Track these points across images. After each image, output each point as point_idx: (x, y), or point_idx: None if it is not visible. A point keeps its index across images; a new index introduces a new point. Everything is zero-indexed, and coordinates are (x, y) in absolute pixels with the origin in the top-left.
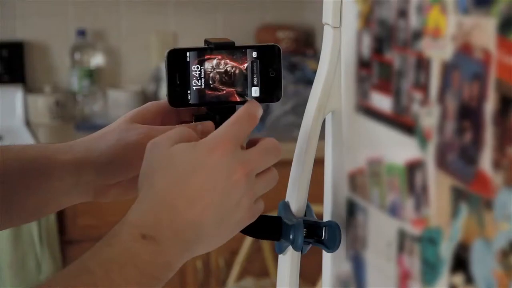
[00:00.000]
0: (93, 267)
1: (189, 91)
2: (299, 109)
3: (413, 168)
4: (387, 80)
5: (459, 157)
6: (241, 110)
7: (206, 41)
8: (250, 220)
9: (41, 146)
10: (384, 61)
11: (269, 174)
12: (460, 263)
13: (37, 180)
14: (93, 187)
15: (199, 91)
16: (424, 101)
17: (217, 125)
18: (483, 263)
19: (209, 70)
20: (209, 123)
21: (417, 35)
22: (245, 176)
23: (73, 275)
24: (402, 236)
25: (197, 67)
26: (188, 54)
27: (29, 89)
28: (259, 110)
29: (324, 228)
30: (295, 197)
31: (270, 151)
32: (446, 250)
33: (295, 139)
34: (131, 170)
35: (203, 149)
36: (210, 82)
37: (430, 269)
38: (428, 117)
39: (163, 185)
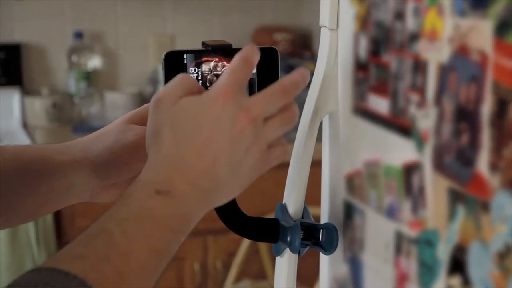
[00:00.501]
0: (111, 227)
1: None
2: None
3: (410, 170)
4: (384, 82)
5: (456, 159)
6: (236, 58)
7: (203, 43)
8: (265, 166)
9: (38, 147)
10: (381, 63)
11: (282, 116)
12: (457, 265)
13: (35, 181)
14: (91, 187)
15: None
16: (421, 103)
17: None
18: (480, 265)
19: (207, 72)
20: None
21: (414, 37)
22: (251, 123)
23: (92, 237)
24: (399, 238)
25: (195, 69)
26: (185, 56)
27: (26, 91)
28: (254, 54)
29: (321, 230)
30: (292, 199)
31: (277, 93)
32: (443, 252)
33: (292, 141)
34: (128, 171)
35: (206, 101)
36: (208, 84)
37: (427, 271)
38: (425, 119)
39: (171, 143)
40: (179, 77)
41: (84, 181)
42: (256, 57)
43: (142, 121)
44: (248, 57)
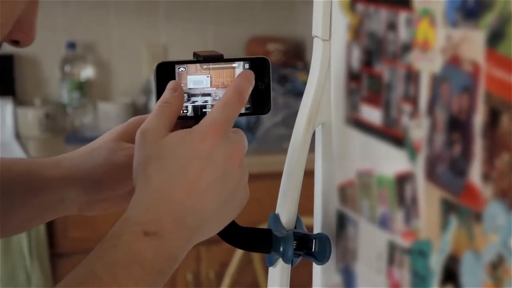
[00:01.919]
0: (99, 271)
1: None
2: (289, 121)
3: (402, 180)
4: (377, 93)
5: (448, 169)
6: (229, 91)
7: (194, 54)
8: (244, 202)
9: (27, 161)
10: (374, 73)
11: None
12: (450, 275)
13: (23, 196)
14: (79, 202)
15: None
16: (414, 114)
17: None
18: (473, 275)
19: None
20: None
21: (406, 47)
22: (241, 157)
23: (80, 281)
24: (392, 248)
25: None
26: (176, 67)
27: (19, 101)
28: (248, 87)
29: (314, 240)
30: (285, 209)
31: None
32: (436, 262)
33: (285, 151)
34: (117, 188)
35: (196, 138)
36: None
37: (420, 281)
38: (418, 130)
39: (159, 179)
40: (166, 109)
41: (73, 197)
42: (250, 90)
43: (131, 138)
44: (242, 91)
